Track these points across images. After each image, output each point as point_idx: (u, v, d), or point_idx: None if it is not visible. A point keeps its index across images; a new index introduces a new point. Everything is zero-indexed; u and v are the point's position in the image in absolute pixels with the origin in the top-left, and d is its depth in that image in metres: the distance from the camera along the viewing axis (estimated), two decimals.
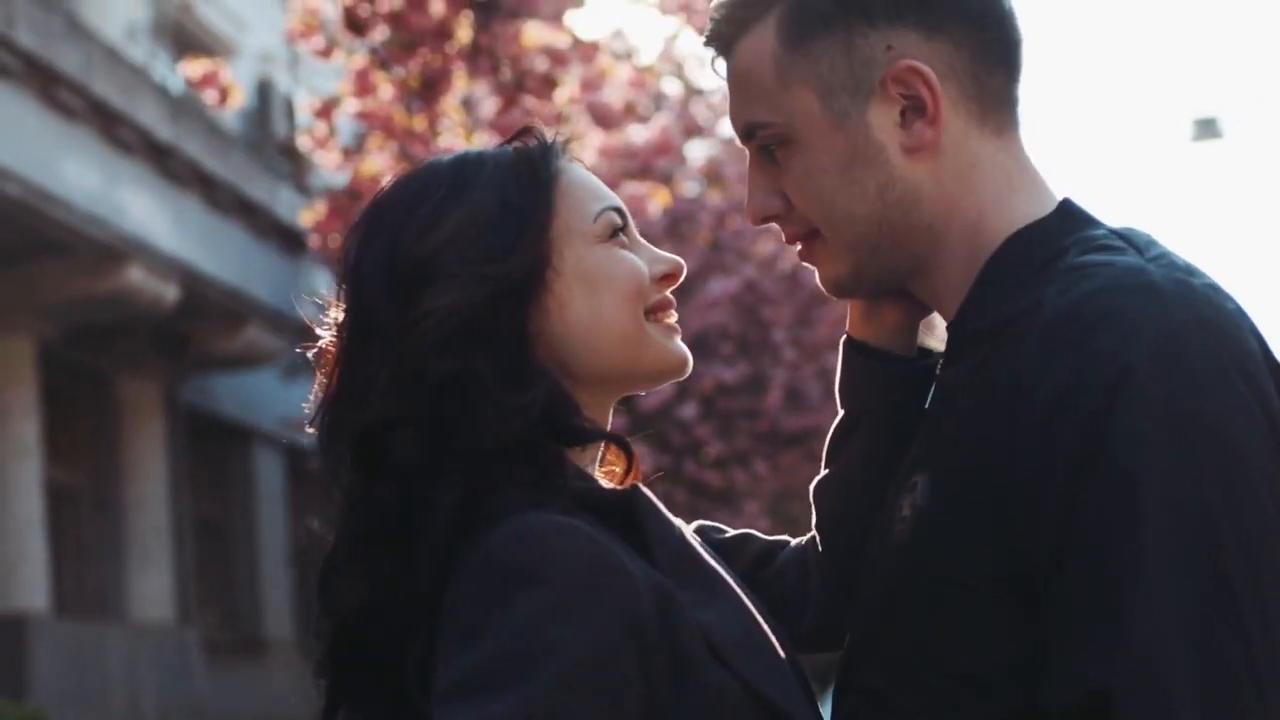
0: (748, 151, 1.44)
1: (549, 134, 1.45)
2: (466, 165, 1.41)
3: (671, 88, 13.58)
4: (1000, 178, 1.38)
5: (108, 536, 13.66)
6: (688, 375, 1.45)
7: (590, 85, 7.65)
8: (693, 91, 13.93)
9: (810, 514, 1.60)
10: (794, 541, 1.65)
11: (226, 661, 14.65)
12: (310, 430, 1.40)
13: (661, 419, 12.76)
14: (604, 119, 8.01)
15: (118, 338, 13.19)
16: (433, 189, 1.39)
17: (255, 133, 16.16)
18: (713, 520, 1.70)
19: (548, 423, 1.33)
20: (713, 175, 12.92)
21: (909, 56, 1.34)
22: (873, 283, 1.43)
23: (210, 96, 9.07)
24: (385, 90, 7.74)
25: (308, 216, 9.84)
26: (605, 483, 1.41)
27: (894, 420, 1.48)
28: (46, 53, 10.83)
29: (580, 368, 1.38)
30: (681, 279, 1.45)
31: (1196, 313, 1.22)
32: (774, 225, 1.45)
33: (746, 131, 1.42)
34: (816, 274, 1.45)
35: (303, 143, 9.28)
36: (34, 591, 11.71)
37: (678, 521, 1.41)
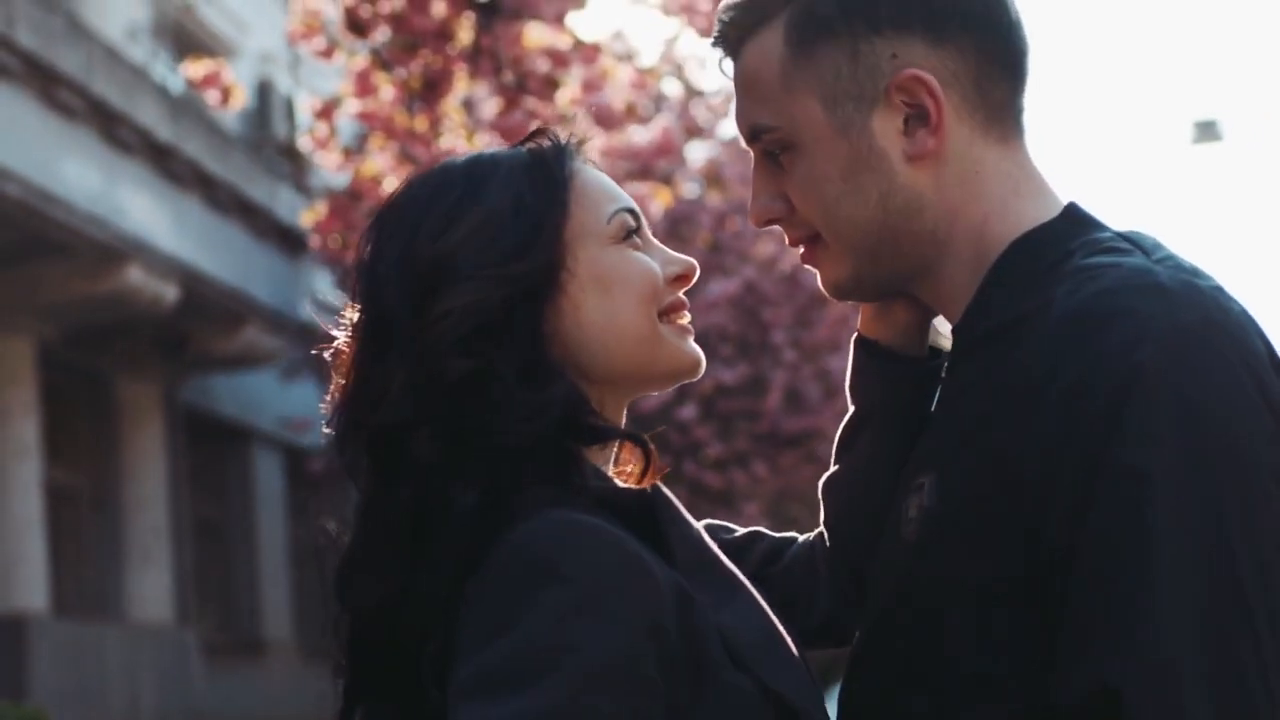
0: (752, 153, 1.45)
1: (563, 135, 1.46)
2: (481, 166, 1.41)
3: (671, 89, 13.59)
4: (1005, 184, 1.38)
5: (107, 537, 13.66)
6: (701, 376, 1.46)
7: (592, 86, 7.65)
8: (693, 93, 13.93)
9: (810, 515, 1.60)
10: (801, 538, 1.65)
11: (225, 662, 14.65)
12: (326, 431, 1.41)
13: (661, 420, 12.76)
14: (605, 120, 8.01)
15: (117, 338, 13.18)
16: (448, 190, 1.39)
17: (255, 133, 16.16)
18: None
19: (566, 422, 1.33)
20: (713, 177, 12.92)
21: (913, 65, 1.35)
22: (874, 286, 1.44)
23: (212, 97, 9.06)
24: (386, 91, 7.74)
25: (308, 217, 9.84)
26: (620, 483, 1.42)
27: (903, 419, 1.49)
28: (47, 53, 10.83)
29: (595, 368, 1.38)
30: (694, 280, 1.45)
31: (1204, 313, 1.23)
32: (775, 227, 1.46)
33: (751, 134, 1.43)
34: (818, 276, 1.46)
35: (303, 143, 9.28)
36: (33, 592, 11.71)
37: (695, 522, 1.41)
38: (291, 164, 15.20)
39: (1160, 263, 1.28)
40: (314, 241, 10.32)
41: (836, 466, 1.58)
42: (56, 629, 11.94)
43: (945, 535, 1.29)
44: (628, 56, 9.58)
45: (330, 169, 9.42)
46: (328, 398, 1.43)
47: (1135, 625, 1.16)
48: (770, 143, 1.41)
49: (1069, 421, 1.20)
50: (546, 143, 1.44)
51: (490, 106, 8.06)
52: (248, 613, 16.01)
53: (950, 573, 1.28)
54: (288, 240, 14.50)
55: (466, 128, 7.81)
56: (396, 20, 7.30)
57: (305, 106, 9.00)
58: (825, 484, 1.59)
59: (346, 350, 1.41)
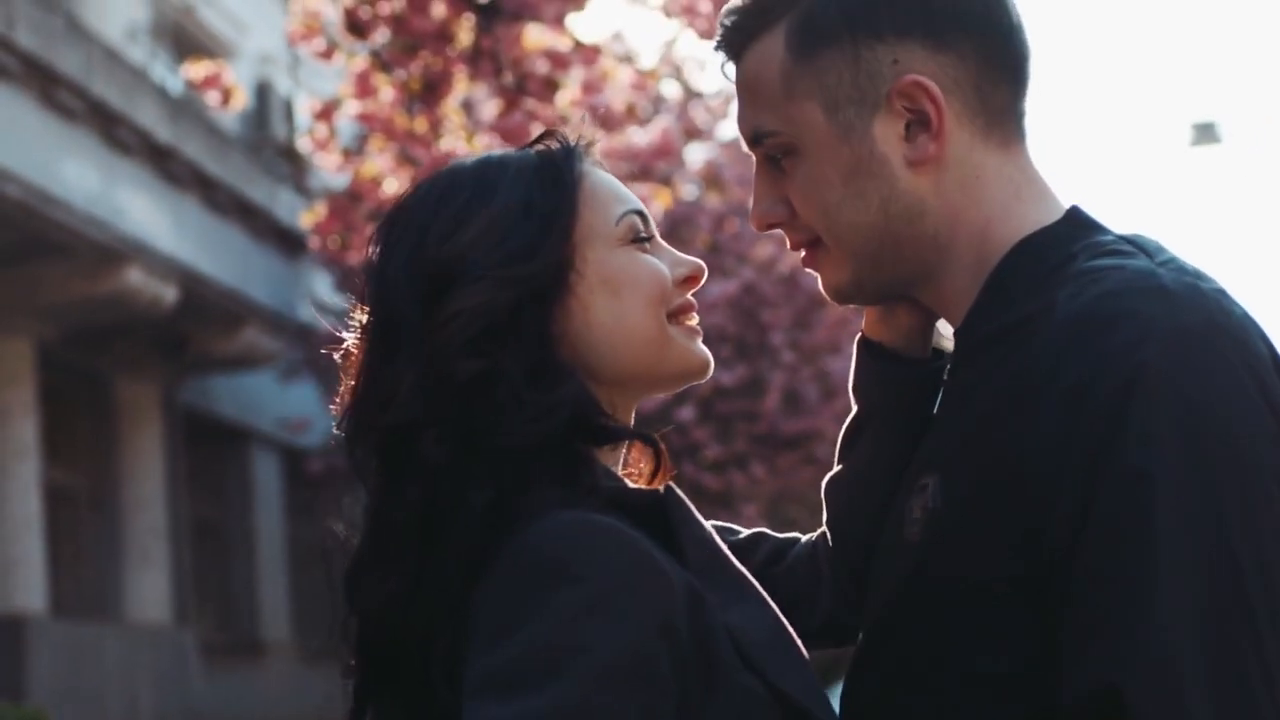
0: (754, 157, 1.46)
1: (572, 137, 1.46)
2: (490, 168, 1.42)
3: (671, 91, 13.59)
4: (1007, 188, 1.39)
5: (105, 537, 13.65)
6: (709, 377, 1.47)
7: (591, 88, 7.65)
8: (692, 94, 13.94)
9: (809, 516, 1.61)
10: (804, 539, 1.66)
11: (223, 663, 14.64)
12: (335, 431, 1.41)
13: (659, 421, 12.77)
14: (605, 121, 8.01)
15: (116, 339, 13.18)
16: (457, 192, 1.40)
17: (254, 134, 16.16)
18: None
19: (575, 422, 1.34)
20: (711, 178, 12.91)
21: (915, 71, 1.35)
22: (875, 291, 1.45)
23: (212, 98, 9.06)
24: (386, 92, 7.73)
25: (307, 218, 9.83)
26: (631, 484, 1.42)
27: (905, 421, 1.50)
28: (46, 54, 10.83)
29: (604, 369, 1.39)
30: (702, 281, 1.46)
31: (1207, 315, 1.24)
32: (776, 230, 1.46)
33: (754, 138, 1.43)
34: (819, 280, 1.46)
35: (303, 144, 9.28)
36: (32, 592, 11.71)
37: (707, 523, 1.41)
38: (291, 165, 15.19)
39: (1163, 266, 1.29)
40: (313, 243, 10.32)
41: (839, 467, 1.59)
42: (55, 629, 11.93)
43: (951, 535, 1.30)
44: (627, 58, 9.59)
45: (330, 170, 9.42)
46: (336, 399, 1.43)
47: (1137, 625, 1.16)
48: (772, 147, 1.42)
49: (1071, 421, 1.21)
50: (555, 145, 1.45)
51: (490, 108, 8.06)
52: (246, 613, 16.00)
53: (953, 573, 1.29)
54: (287, 241, 14.50)
55: (466, 129, 7.81)
56: (396, 21, 7.30)
57: (305, 108, 8.99)
58: (828, 484, 1.60)
59: (355, 351, 1.42)
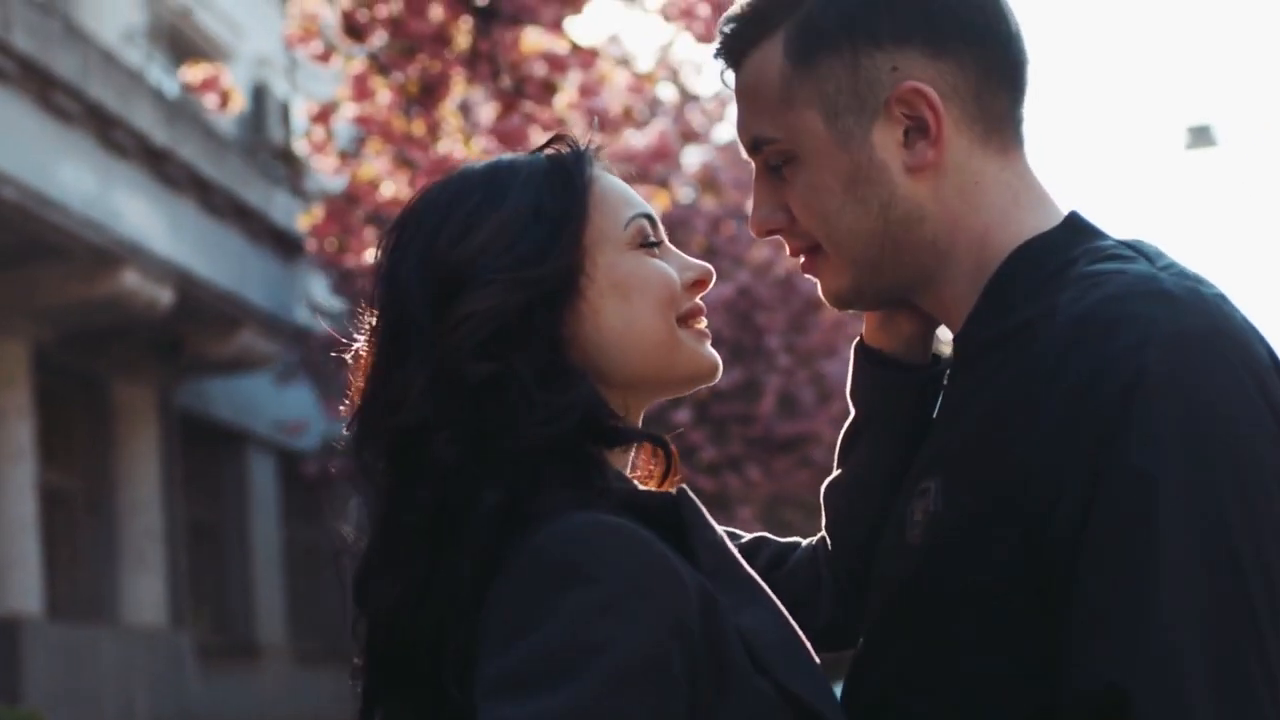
0: (753, 164, 1.46)
1: (582, 141, 1.47)
2: (501, 172, 1.42)
3: (667, 94, 13.60)
4: (1006, 194, 1.40)
5: (101, 540, 13.64)
6: (718, 380, 1.48)
7: (589, 91, 7.66)
8: (688, 98, 13.95)
9: (804, 519, 1.62)
10: (804, 542, 1.67)
11: (219, 665, 14.63)
12: (345, 433, 1.42)
13: (655, 424, 12.74)
14: (602, 124, 8.02)
15: (113, 341, 13.18)
16: (468, 195, 1.40)
17: (251, 137, 16.16)
18: None
19: (587, 424, 1.34)
20: (708, 181, 12.93)
21: (913, 77, 1.36)
22: (875, 296, 1.46)
23: (209, 101, 9.07)
24: (383, 95, 7.74)
25: (304, 221, 9.85)
26: (641, 486, 1.43)
27: (904, 425, 1.51)
28: (43, 56, 10.83)
29: (614, 372, 1.40)
30: (711, 285, 1.47)
31: (1208, 319, 1.25)
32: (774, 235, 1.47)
33: (753, 145, 1.44)
34: (819, 286, 1.47)
35: (300, 147, 9.28)
36: (27, 595, 11.70)
37: (718, 526, 1.42)
38: (288, 168, 15.20)
39: (1164, 270, 1.30)
40: (310, 245, 10.35)
41: (838, 471, 1.59)
42: (51, 632, 11.92)
43: (953, 537, 1.31)
44: (624, 61, 9.60)
45: (327, 173, 9.43)
46: (337, 401, 1.44)
47: (1138, 625, 1.17)
48: (771, 154, 1.42)
49: (1073, 423, 1.22)
50: (566, 149, 1.45)
51: (487, 111, 8.07)
52: (242, 616, 15.99)
53: (955, 574, 1.30)
54: (283, 244, 14.50)
55: (464, 132, 7.82)
56: (394, 24, 7.31)
57: (302, 110, 9.01)
58: (827, 488, 1.60)
59: (365, 354, 1.42)
